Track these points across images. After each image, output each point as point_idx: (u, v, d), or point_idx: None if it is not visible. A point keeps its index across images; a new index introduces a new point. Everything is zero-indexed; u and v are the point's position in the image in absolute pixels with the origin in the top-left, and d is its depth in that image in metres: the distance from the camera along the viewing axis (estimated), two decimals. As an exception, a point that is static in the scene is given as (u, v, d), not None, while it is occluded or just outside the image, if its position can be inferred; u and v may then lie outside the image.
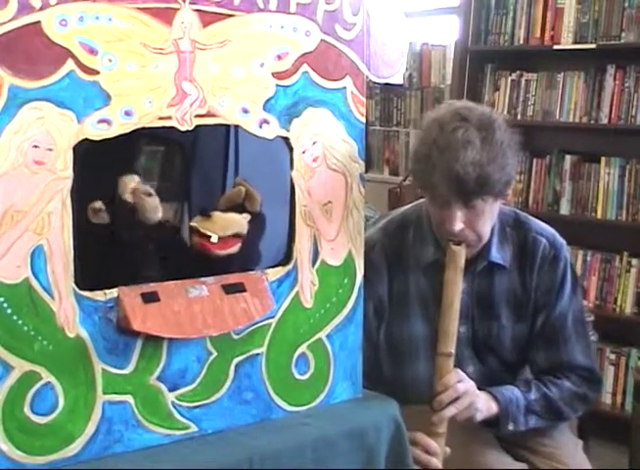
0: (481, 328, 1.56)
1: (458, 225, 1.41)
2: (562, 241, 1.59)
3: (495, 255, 1.53)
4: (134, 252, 1.09)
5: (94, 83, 0.99)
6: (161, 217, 1.14)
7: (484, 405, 1.46)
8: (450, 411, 1.41)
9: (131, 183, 1.11)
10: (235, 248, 1.17)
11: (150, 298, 1.06)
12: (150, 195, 1.10)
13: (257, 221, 1.23)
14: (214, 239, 1.14)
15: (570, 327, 1.56)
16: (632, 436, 2.05)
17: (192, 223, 1.17)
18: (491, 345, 1.57)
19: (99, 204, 1.10)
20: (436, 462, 1.39)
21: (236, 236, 1.17)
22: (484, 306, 1.55)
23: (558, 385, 1.54)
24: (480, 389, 1.47)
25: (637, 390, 2.30)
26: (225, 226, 1.16)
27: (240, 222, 1.18)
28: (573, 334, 1.57)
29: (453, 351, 1.42)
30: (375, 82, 1.25)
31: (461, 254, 1.43)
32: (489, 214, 1.45)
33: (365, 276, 1.28)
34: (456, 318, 1.42)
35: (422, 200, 1.61)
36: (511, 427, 1.51)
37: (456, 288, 1.42)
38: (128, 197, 1.09)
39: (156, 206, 1.11)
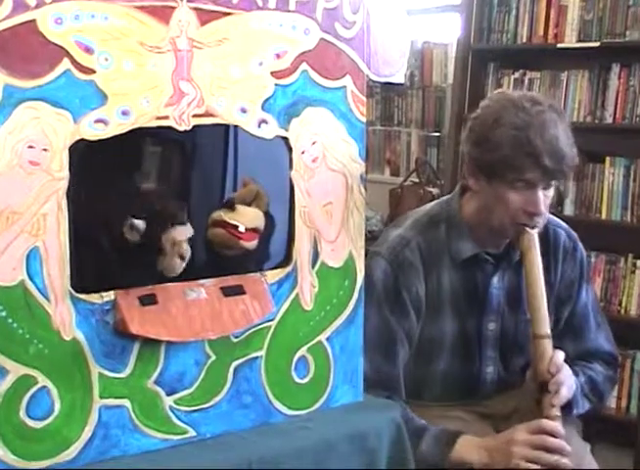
0: (510, 324, 1.56)
1: (543, 206, 1.43)
2: (575, 233, 1.63)
3: None
4: (131, 254, 1.08)
5: (90, 83, 0.98)
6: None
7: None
8: (565, 392, 1.41)
9: (179, 236, 1.09)
10: (255, 242, 1.16)
11: (147, 300, 1.05)
12: (182, 259, 1.08)
13: (265, 222, 1.21)
14: (242, 228, 1.13)
15: (591, 316, 1.60)
16: (638, 439, 2.03)
17: (217, 213, 1.16)
18: (518, 341, 1.57)
19: (141, 225, 1.08)
20: (567, 461, 1.38)
21: (256, 230, 1.16)
22: (513, 302, 1.55)
23: (594, 369, 1.58)
24: None
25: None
26: (251, 218, 1.15)
27: (261, 217, 1.18)
28: (595, 322, 1.61)
29: (549, 331, 1.42)
30: (375, 81, 1.24)
31: (536, 237, 1.45)
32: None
33: (401, 274, 1.28)
34: (545, 301, 1.43)
35: (444, 198, 1.61)
36: (575, 411, 1.52)
37: (540, 270, 1.44)
38: (167, 246, 1.08)
39: (178, 269, 1.08)
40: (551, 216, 1.60)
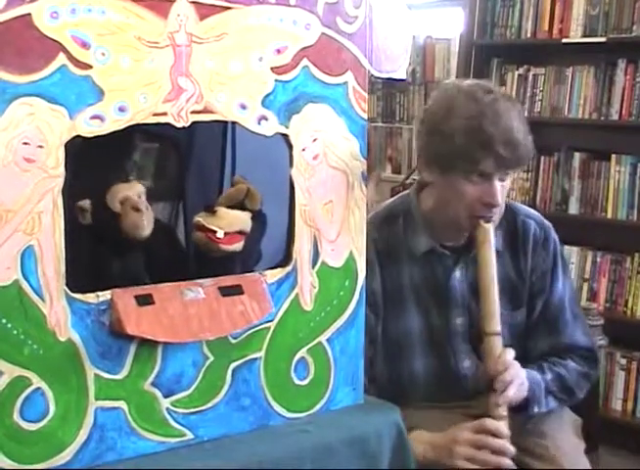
0: (478, 317, 1.53)
1: (500, 196, 1.41)
2: (548, 223, 1.60)
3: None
4: (128, 253, 1.06)
5: (86, 78, 0.96)
6: (152, 228, 1.08)
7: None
8: (512, 391, 1.39)
9: (124, 192, 1.05)
10: (239, 245, 1.15)
11: (144, 300, 1.03)
12: (137, 210, 1.04)
13: (257, 221, 1.21)
14: (220, 234, 1.12)
15: (568, 309, 1.57)
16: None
17: (197, 219, 1.15)
18: None
19: (86, 203, 1.05)
20: (509, 462, 1.36)
21: (240, 233, 1.15)
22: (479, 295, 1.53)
23: (565, 365, 1.55)
24: None
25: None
26: (231, 222, 1.14)
27: (245, 219, 1.16)
28: (572, 315, 1.58)
29: (499, 329, 1.40)
30: (377, 77, 1.22)
31: (491, 231, 1.43)
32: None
33: None
34: (497, 297, 1.41)
35: (404, 192, 1.60)
36: (535, 409, 1.50)
37: (493, 266, 1.41)
38: (116, 206, 1.04)
39: (140, 223, 1.04)
40: (522, 206, 1.60)
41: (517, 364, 1.42)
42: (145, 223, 1.03)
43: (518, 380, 1.41)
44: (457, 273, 1.52)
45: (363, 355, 1.24)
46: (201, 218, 1.14)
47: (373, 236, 1.48)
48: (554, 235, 1.59)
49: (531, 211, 1.61)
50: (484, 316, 1.41)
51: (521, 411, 1.47)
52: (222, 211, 1.15)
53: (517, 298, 1.55)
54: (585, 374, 1.57)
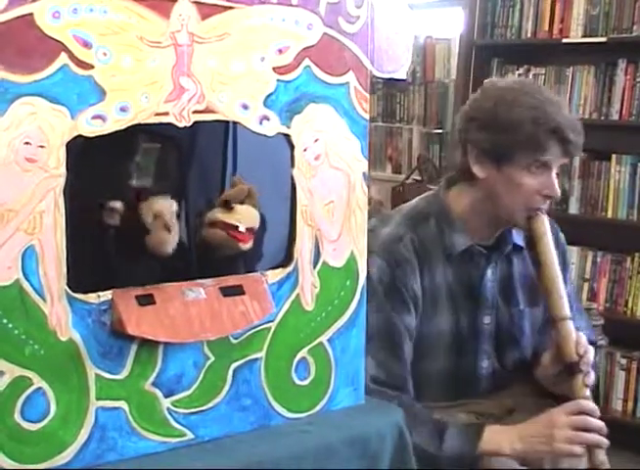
0: (504, 317, 1.55)
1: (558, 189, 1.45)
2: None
3: (516, 237, 1.54)
4: (129, 252, 1.06)
5: (88, 78, 0.96)
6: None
7: None
8: (592, 374, 1.42)
9: (160, 207, 1.04)
10: (251, 242, 1.13)
11: (145, 300, 1.03)
12: (169, 230, 1.03)
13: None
14: (242, 228, 1.10)
15: (574, 304, 1.59)
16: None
17: (216, 215, 1.12)
18: (513, 334, 1.56)
19: (118, 205, 1.04)
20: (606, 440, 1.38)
21: (252, 230, 1.14)
22: (506, 294, 1.55)
23: None
24: None
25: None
26: (248, 218, 1.12)
27: (257, 215, 1.15)
28: (577, 310, 1.60)
29: (570, 313, 1.43)
30: (377, 77, 1.22)
31: (547, 222, 1.46)
32: None
33: (398, 271, 1.33)
34: (562, 283, 1.45)
35: (428, 193, 1.59)
36: None
37: (555, 254, 1.46)
38: (148, 219, 1.03)
39: (167, 243, 1.03)
40: None
41: (591, 347, 1.45)
42: (171, 244, 1.03)
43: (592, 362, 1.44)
44: (489, 272, 1.53)
45: (366, 354, 1.24)
46: (220, 215, 1.12)
47: (410, 236, 1.49)
48: (561, 233, 1.62)
49: None
50: (556, 303, 1.43)
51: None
52: (237, 206, 1.13)
53: (536, 294, 1.56)
54: (594, 365, 1.60)
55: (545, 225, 1.46)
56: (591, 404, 1.40)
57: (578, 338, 1.42)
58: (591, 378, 1.42)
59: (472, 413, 1.56)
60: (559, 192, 1.46)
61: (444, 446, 1.37)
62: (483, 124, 1.45)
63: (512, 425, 1.45)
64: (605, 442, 1.38)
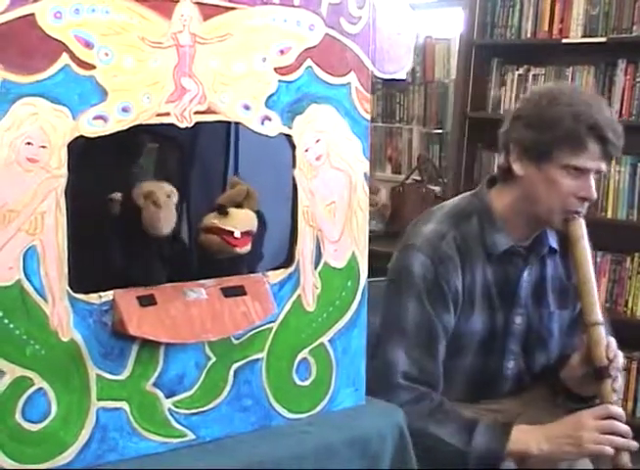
0: (535, 318, 1.56)
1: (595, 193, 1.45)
2: None
3: (551, 239, 1.55)
4: (130, 253, 1.05)
5: (90, 78, 0.96)
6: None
7: None
8: (620, 378, 1.44)
9: (150, 188, 1.03)
10: (249, 246, 1.13)
11: (146, 301, 1.03)
12: (156, 205, 1.02)
13: (258, 221, 1.19)
14: (237, 234, 1.10)
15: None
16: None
17: (211, 221, 1.12)
18: (542, 335, 1.57)
19: (118, 196, 1.04)
20: (635, 443, 1.40)
21: (249, 233, 1.14)
22: (538, 295, 1.55)
23: None
24: None
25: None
26: (243, 222, 1.12)
27: (253, 218, 1.15)
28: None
29: (602, 319, 1.44)
30: (378, 77, 1.22)
31: (584, 224, 1.47)
32: None
33: (441, 268, 1.35)
34: (596, 288, 1.45)
35: (469, 192, 1.60)
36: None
37: (590, 258, 1.46)
38: (140, 201, 1.02)
39: (157, 218, 1.02)
40: None
41: (620, 352, 1.46)
42: (161, 218, 1.02)
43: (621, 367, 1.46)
44: (526, 273, 1.53)
45: (365, 356, 1.24)
46: (216, 220, 1.12)
47: (453, 233, 1.49)
48: None
49: None
50: (589, 307, 1.44)
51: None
52: (233, 211, 1.13)
53: (566, 297, 1.57)
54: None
55: (582, 229, 1.46)
56: (619, 409, 1.41)
57: (609, 343, 1.44)
58: (619, 383, 1.43)
59: (485, 411, 1.56)
60: (595, 195, 1.46)
61: (473, 443, 1.39)
62: (526, 122, 1.46)
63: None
64: (634, 444, 1.40)
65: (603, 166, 1.46)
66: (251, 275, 1.13)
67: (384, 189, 3.55)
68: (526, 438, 1.41)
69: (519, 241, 1.52)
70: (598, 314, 1.44)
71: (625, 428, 1.40)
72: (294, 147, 1.13)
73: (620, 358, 1.45)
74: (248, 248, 1.13)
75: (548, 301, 1.56)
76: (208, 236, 1.12)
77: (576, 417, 1.42)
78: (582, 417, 1.41)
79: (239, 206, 1.16)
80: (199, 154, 1.25)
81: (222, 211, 1.12)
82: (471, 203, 1.55)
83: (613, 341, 1.45)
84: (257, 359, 1.13)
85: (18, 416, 0.96)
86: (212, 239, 1.12)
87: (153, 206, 1.02)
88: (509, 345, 1.54)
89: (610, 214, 2.88)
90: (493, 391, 1.56)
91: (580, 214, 1.46)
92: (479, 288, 1.50)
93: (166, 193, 1.03)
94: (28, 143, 0.93)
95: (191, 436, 1.09)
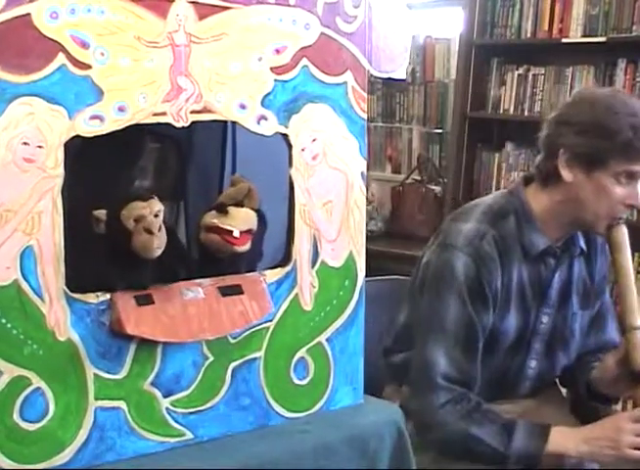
0: (560, 319, 1.56)
1: None
2: None
3: (581, 240, 1.56)
4: (127, 252, 1.05)
5: (86, 78, 0.96)
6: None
7: None
8: None
9: (139, 211, 1.01)
10: (249, 244, 1.13)
11: (144, 300, 1.03)
12: (149, 232, 1.01)
13: (258, 220, 1.19)
14: (237, 233, 1.10)
15: (611, 309, 1.64)
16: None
17: (210, 220, 1.12)
18: (565, 336, 1.57)
19: (102, 213, 1.03)
20: None
21: (249, 232, 1.14)
22: (564, 295, 1.56)
23: None
24: None
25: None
26: (243, 221, 1.12)
27: (253, 217, 1.15)
28: (611, 315, 1.64)
29: None
30: (376, 77, 1.22)
31: (626, 231, 1.47)
32: None
33: (483, 268, 1.35)
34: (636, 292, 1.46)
35: (503, 191, 1.60)
36: None
37: (631, 264, 1.47)
38: (130, 223, 1.01)
39: (149, 245, 1.01)
40: None
41: None
42: (155, 246, 1.01)
43: None
44: (558, 273, 1.54)
45: (363, 355, 1.24)
46: (215, 220, 1.12)
47: (492, 233, 1.48)
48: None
49: None
50: (628, 312, 1.45)
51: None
52: (233, 210, 1.13)
53: (588, 298, 1.59)
54: None
55: (625, 235, 1.47)
56: None
57: None
58: None
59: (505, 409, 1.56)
60: None
61: (513, 445, 1.40)
62: (580, 129, 1.44)
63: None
64: None
65: None
66: (249, 274, 1.13)
67: (373, 183, 3.54)
68: (565, 440, 1.42)
69: (553, 242, 1.53)
70: (637, 319, 1.44)
71: None
72: (290, 146, 1.13)
73: None
74: (247, 246, 1.13)
75: (572, 301, 1.56)
76: (209, 235, 1.12)
77: (615, 420, 1.44)
78: (620, 420, 1.43)
79: (240, 204, 1.16)
80: (195, 153, 1.25)
81: (222, 210, 1.12)
82: (508, 202, 1.54)
83: None
84: (255, 358, 1.13)
85: (15, 416, 0.96)
86: (213, 238, 1.12)
87: (146, 233, 1.01)
88: (534, 344, 1.54)
89: (610, 214, 2.87)
90: (513, 390, 1.56)
91: (623, 221, 1.47)
92: (515, 287, 1.50)
93: (154, 213, 1.02)
94: (25, 143, 0.94)
95: (189, 435, 1.09)
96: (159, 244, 1.01)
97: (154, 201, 1.03)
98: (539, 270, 1.52)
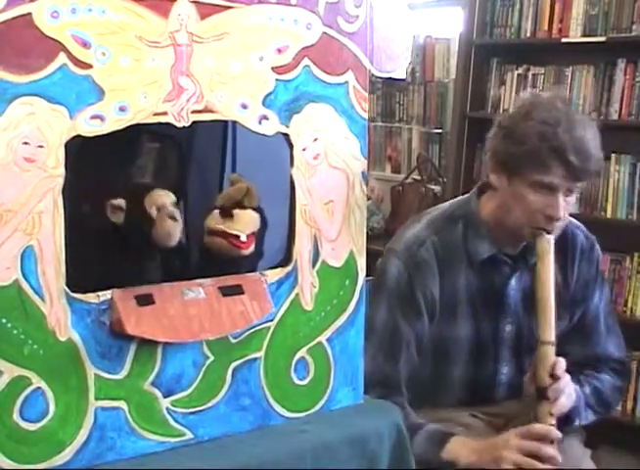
0: (525, 326, 1.55)
1: (563, 211, 1.41)
2: (593, 236, 1.62)
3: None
4: (128, 252, 1.06)
5: (87, 78, 0.96)
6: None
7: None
8: (563, 400, 1.39)
9: (162, 199, 1.04)
10: (253, 246, 1.14)
11: (144, 300, 1.03)
12: (173, 219, 1.03)
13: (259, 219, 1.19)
14: (244, 237, 1.10)
15: (602, 320, 1.59)
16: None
17: (216, 225, 1.12)
18: (532, 343, 1.54)
19: (121, 202, 1.04)
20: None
21: (253, 234, 1.14)
22: (528, 303, 1.53)
23: (600, 379, 1.56)
24: None
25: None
26: (248, 224, 1.13)
27: (257, 218, 1.15)
28: (605, 327, 1.60)
29: (554, 339, 1.40)
30: (376, 77, 1.22)
31: (552, 242, 1.42)
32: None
33: (416, 274, 1.33)
34: (554, 307, 1.41)
35: (462, 196, 1.59)
36: (577, 421, 1.50)
37: (552, 276, 1.41)
38: (152, 211, 1.03)
39: (174, 232, 1.03)
40: (570, 218, 1.58)
41: (568, 375, 1.42)
42: (178, 232, 1.03)
43: (567, 390, 1.41)
44: (513, 281, 1.52)
45: (363, 355, 1.24)
46: (221, 225, 1.11)
47: (432, 239, 1.48)
48: (598, 247, 1.60)
49: (578, 222, 1.62)
50: (541, 325, 1.40)
51: (564, 423, 1.46)
52: (237, 212, 1.13)
53: (561, 306, 1.54)
54: (619, 388, 1.60)
55: (548, 246, 1.40)
56: (547, 429, 1.36)
57: (558, 364, 1.39)
58: (558, 406, 1.38)
59: (483, 414, 1.57)
60: (561, 214, 1.40)
61: (412, 445, 1.36)
62: (504, 134, 1.43)
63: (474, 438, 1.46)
64: None
65: (573, 187, 1.42)
66: (249, 274, 1.13)
67: (373, 181, 3.54)
68: (460, 449, 1.42)
69: (506, 249, 1.51)
70: (550, 334, 1.39)
71: (550, 452, 1.35)
72: (291, 146, 1.13)
73: (563, 382, 1.39)
74: (252, 248, 1.13)
75: None
76: (214, 239, 1.12)
77: (507, 434, 1.41)
78: (510, 435, 1.39)
79: (239, 203, 1.16)
80: (196, 153, 1.25)
81: (227, 214, 1.12)
82: (460, 208, 1.54)
83: (562, 362, 1.40)
84: (255, 358, 1.13)
85: (16, 416, 0.96)
86: (218, 242, 1.12)
87: (170, 220, 1.02)
88: (501, 351, 1.53)
89: (609, 214, 2.87)
90: (489, 395, 1.56)
91: (549, 232, 1.42)
92: (461, 295, 1.50)
93: (173, 203, 1.04)
94: (26, 143, 0.93)
95: (189, 435, 1.09)
96: (180, 231, 1.03)
97: (168, 191, 1.04)
98: (491, 278, 1.51)
